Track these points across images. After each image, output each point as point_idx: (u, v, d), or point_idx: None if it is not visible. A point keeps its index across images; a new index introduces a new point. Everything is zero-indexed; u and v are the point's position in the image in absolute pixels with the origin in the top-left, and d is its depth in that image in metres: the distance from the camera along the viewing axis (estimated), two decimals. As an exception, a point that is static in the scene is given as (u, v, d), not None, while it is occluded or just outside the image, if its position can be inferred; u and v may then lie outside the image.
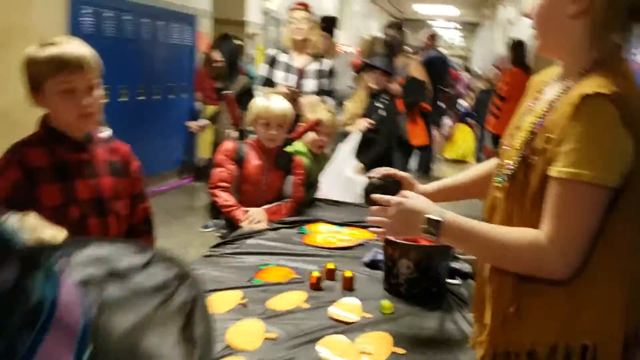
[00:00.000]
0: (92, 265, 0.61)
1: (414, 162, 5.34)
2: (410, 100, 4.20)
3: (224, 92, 3.22)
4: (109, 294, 0.58)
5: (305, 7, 3.77)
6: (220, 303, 1.65)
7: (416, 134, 4.32)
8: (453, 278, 1.90)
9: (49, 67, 1.50)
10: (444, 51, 12.19)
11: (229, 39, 5.47)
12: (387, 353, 1.41)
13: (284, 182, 2.64)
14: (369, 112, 3.78)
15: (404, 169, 4.44)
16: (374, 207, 1.29)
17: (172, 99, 6.03)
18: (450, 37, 22.92)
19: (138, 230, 1.74)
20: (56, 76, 1.50)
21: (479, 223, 1.16)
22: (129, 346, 0.55)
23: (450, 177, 1.59)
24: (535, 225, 1.11)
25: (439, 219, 1.15)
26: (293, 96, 3.61)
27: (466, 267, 1.96)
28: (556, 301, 1.11)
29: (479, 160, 8.60)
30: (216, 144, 4.41)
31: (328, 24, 4.63)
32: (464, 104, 9.18)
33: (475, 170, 1.57)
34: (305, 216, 2.59)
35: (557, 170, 1.07)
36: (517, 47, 5.84)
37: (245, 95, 4.25)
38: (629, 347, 1.15)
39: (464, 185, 1.55)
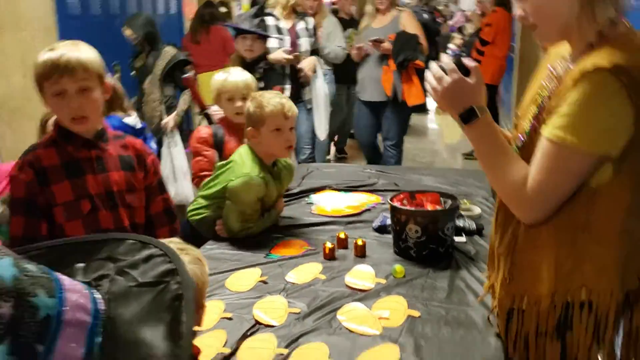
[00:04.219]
0: (104, 266, 0.71)
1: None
2: (401, 60, 3.84)
3: (184, 75, 3.04)
4: (115, 288, 0.69)
5: None
6: (241, 282, 1.75)
7: (412, 94, 3.94)
8: (460, 236, 2.00)
9: (44, 70, 1.56)
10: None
11: (213, 5, 5.39)
12: (403, 317, 1.51)
13: None
14: None
15: (403, 132, 4.28)
16: (438, 71, 1.27)
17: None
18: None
19: (158, 222, 1.82)
20: (49, 79, 1.56)
21: (500, 141, 1.24)
22: (130, 335, 0.64)
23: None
24: None
25: (478, 116, 1.23)
26: (295, 60, 3.62)
27: (472, 225, 2.05)
28: (560, 255, 1.21)
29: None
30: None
31: None
32: (451, 47, 9.02)
33: None
34: (311, 185, 2.67)
35: (547, 130, 1.16)
36: None
37: (177, 70, 3.77)
38: (627, 306, 1.26)
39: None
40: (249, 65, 3.24)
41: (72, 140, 1.64)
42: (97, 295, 0.66)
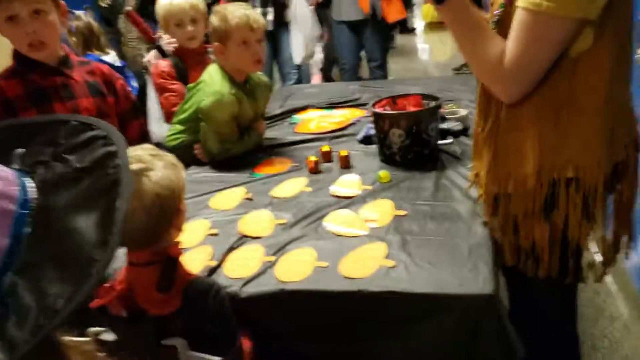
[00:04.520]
0: (43, 151, 0.66)
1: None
2: None
3: (127, 9, 2.77)
4: (50, 175, 0.63)
5: None
6: (226, 201, 1.73)
7: (391, 9, 3.72)
8: (444, 138, 1.96)
9: None
10: None
11: None
12: (390, 217, 1.49)
13: None
14: None
15: (386, 50, 4.01)
16: None
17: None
18: None
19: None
20: (0, 4, 1.48)
21: (475, 19, 1.18)
22: (62, 224, 0.59)
23: None
24: None
25: None
26: None
27: (457, 126, 2.01)
28: (544, 132, 1.17)
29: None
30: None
31: None
32: None
33: None
34: (293, 105, 2.61)
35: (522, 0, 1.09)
36: None
37: (150, 3, 3.26)
38: (615, 178, 1.23)
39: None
40: None
41: (34, 68, 1.58)
42: (30, 184, 0.61)
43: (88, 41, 3.15)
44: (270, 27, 3.57)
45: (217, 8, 2.00)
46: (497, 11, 1.21)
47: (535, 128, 1.18)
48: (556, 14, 1.06)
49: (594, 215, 1.22)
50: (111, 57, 3.17)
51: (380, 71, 4.02)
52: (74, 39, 3.11)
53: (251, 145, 2.08)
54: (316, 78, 4.21)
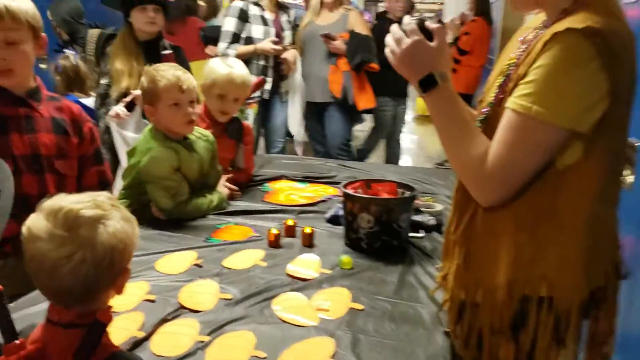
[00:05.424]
0: None
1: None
2: (358, 62, 3.47)
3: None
4: None
5: None
6: (173, 264, 1.58)
7: (362, 98, 3.64)
8: (416, 231, 1.86)
9: None
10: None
11: None
12: (345, 309, 1.36)
13: (236, 152, 2.33)
14: None
15: (350, 134, 3.88)
16: (397, 32, 1.13)
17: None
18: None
19: None
20: None
21: (461, 113, 1.10)
22: None
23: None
24: None
25: (438, 82, 1.09)
26: (281, 51, 3.46)
27: (430, 220, 1.92)
28: (520, 243, 1.07)
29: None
30: None
31: None
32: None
33: None
34: (267, 174, 2.51)
35: (511, 100, 1.03)
36: None
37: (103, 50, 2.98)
38: (592, 305, 1.12)
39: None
40: (148, 47, 2.71)
41: (2, 95, 1.51)
42: None
43: (71, 83, 3.07)
44: (265, 96, 3.54)
45: (147, 68, 1.93)
46: (484, 109, 1.14)
47: (511, 237, 1.09)
48: (545, 120, 0.99)
49: (565, 341, 1.11)
50: (90, 100, 3.07)
51: (345, 153, 3.79)
52: (58, 77, 3.04)
53: (213, 208, 1.96)
54: (298, 151, 4.12)
